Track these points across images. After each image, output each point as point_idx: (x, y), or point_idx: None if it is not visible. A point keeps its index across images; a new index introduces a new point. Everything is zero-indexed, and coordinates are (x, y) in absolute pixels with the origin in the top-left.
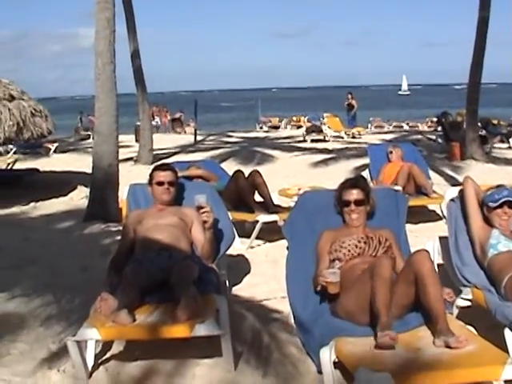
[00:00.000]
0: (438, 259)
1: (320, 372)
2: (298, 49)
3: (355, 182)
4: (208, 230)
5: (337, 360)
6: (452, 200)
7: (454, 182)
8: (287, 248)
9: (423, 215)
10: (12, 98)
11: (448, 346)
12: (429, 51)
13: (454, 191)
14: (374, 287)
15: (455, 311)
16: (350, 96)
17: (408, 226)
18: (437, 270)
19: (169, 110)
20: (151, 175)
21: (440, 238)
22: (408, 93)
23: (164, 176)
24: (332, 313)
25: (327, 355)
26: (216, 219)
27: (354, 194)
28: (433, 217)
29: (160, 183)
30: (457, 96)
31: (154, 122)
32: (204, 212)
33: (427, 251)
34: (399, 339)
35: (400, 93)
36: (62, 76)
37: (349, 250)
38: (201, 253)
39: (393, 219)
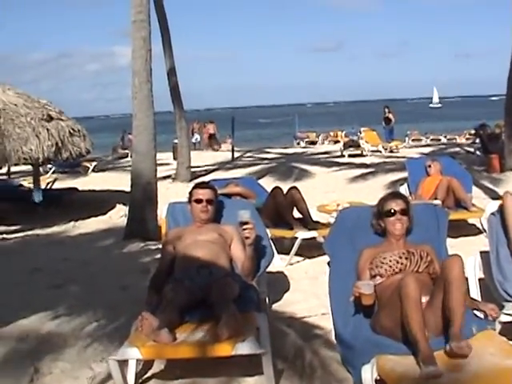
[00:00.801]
0: (479, 274)
1: None
2: (334, 63)
3: (398, 192)
4: (249, 246)
5: (378, 378)
6: (493, 214)
7: (493, 195)
8: (328, 264)
9: (463, 229)
10: (50, 118)
11: (451, 353)
12: (465, 62)
13: (494, 205)
14: (405, 310)
15: (498, 327)
16: (386, 110)
17: (448, 241)
18: (478, 285)
19: (214, 122)
20: (190, 193)
21: (481, 252)
22: (439, 105)
23: (203, 194)
24: (372, 329)
25: (369, 373)
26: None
27: (399, 204)
28: (473, 231)
29: (198, 201)
30: (494, 107)
31: (193, 139)
32: (247, 228)
33: (459, 257)
34: (438, 357)
35: (431, 105)
36: (98, 95)
37: (390, 266)
38: (241, 270)
39: (433, 234)
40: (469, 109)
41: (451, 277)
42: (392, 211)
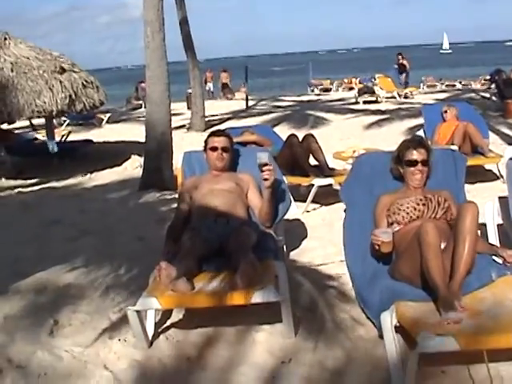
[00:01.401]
0: (497, 220)
1: (381, 337)
2: (346, 10)
3: (420, 140)
4: (268, 188)
5: (398, 324)
6: (511, 159)
7: (509, 141)
8: (344, 211)
9: (479, 175)
10: (63, 71)
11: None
12: (478, 7)
13: None
14: (425, 257)
15: None
16: (400, 57)
17: (465, 187)
18: (497, 230)
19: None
20: (206, 141)
21: (499, 198)
22: (450, 51)
23: (218, 142)
24: (391, 276)
25: (388, 320)
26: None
27: (422, 154)
28: (489, 176)
29: (214, 149)
30: (507, 53)
31: (206, 88)
32: (266, 170)
33: (474, 205)
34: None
35: (442, 51)
36: (111, 47)
37: (407, 213)
38: (258, 217)
39: (451, 180)
40: (481, 54)
41: (461, 227)
42: (414, 161)
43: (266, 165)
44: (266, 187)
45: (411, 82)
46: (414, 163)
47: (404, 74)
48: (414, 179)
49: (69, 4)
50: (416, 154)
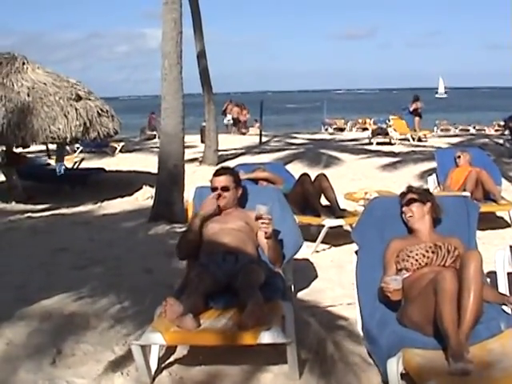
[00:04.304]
0: (508, 268)
1: (386, 382)
2: (364, 50)
3: (408, 187)
4: (268, 239)
5: (404, 371)
6: None
7: None
8: (355, 253)
9: (491, 222)
10: (79, 98)
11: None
12: (494, 53)
13: None
14: (439, 304)
15: None
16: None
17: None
18: (507, 280)
19: (247, 108)
20: (210, 180)
21: (511, 246)
22: (445, 96)
23: (218, 181)
24: (399, 322)
25: (395, 366)
26: (282, 223)
27: (407, 196)
28: (501, 223)
29: (214, 189)
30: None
31: (225, 121)
32: (263, 223)
33: (478, 253)
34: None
35: (437, 96)
36: (127, 76)
37: (416, 260)
38: (267, 256)
39: (463, 228)
40: (503, 100)
41: (465, 276)
42: (401, 206)
43: (261, 217)
44: (266, 238)
45: (424, 125)
46: (402, 207)
47: (417, 118)
48: (405, 219)
49: (89, 31)
50: (401, 198)
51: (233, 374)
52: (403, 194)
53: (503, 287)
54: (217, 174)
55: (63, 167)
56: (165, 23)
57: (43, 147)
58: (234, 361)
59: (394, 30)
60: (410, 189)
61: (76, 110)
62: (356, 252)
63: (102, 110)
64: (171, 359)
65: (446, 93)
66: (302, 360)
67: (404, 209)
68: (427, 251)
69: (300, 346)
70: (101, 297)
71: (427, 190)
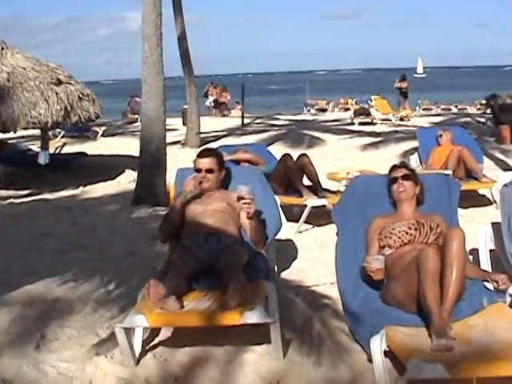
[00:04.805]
0: (490, 245)
1: (370, 361)
2: (349, 31)
3: (399, 162)
4: (251, 219)
5: (387, 349)
6: (505, 185)
7: (504, 166)
8: (336, 233)
9: (473, 200)
10: (59, 82)
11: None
12: (480, 32)
13: (507, 176)
14: (422, 282)
15: (508, 299)
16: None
17: (458, 211)
18: (489, 256)
19: (228, 90)
20: (194, 161)
21: (492, 223)
22: (424, 75)
23: (202, 163)
24: (382, 300)
25: (378, 344)
26: (264, 204)
27: (401, 171)
28: (483, 201)
29: (198, 170)
30: (507, 78)
31: (207, 102)
32: (245, 203)
33: (460, 231)
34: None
35: (416, 76)
36: (109, 59)
37: (399, 237)
38: (250, 237)
39: (444, 205)
40: (485, 79)
41: (447, 253)
42: (395, 178)
43: (243, 198)
44: (248, 218)
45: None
46: (395, 180)
47: (402, 98)
48: (398, 194)
49: (69, 15)
50: (395, 172)
51: (217, 354)
52: (396, 167)
53: (485, 264)
54: (201, 155)
55: (48, 155)
56: (144, 6)
57: (25, 133)
58: (218, 342)
59: (380, 11)
60: (404, 164)
61: (56, 94)
62: (337, 231)
63: (82, 93)
64: (155, 341)
65: (424, 72)
66: (286, 340)
67: (399, 182)
68: (410, 228)
69: (284, 325)
70: (84, 281)
71: (408, 166)
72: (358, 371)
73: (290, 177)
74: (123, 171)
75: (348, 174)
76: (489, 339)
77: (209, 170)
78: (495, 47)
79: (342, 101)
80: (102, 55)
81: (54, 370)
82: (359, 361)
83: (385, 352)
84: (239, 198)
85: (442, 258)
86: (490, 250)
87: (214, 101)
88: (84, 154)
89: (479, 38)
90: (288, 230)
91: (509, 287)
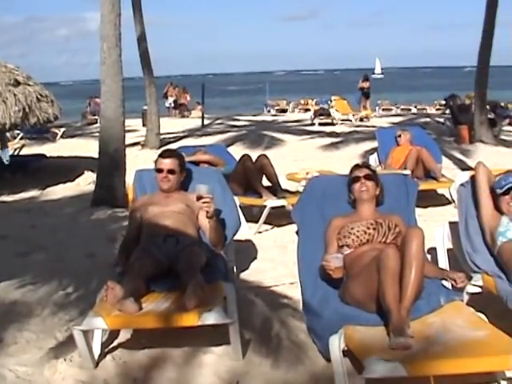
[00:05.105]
0: (447, 244)
1: (329, 360)
2: (307, 31)
3: (362, 162)
4: (210, 219)
5: (346, 348)
6: (462, 185)
7: (462, 166)
8: (296, 233)
9: (432, 199)
10: (18, 83)
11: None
12: (437, 33)
13: (464, 176)
14: (382, 281)
15: (465, 298)
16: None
17: (417, 211)
18: (447, 255)
19: (189, 92)
20: (155, 162)
21: (450, 223)
22: (382, 76)
23: (164, 164)
24: (341, 299)
25: (336, 343)
26: (223, 205)
27: (363, 171)
28: (442, 201)
29: (160, 171)
30: (466, 79)
31: (167, 104)
32: (204, 202)
33: (420, 230)
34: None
35: (374, 76)
36: (68, 60)
37: (357, 237)
38: (208, 239)
39: (402, 205)
40: (444, 79)
41: (407, 252)
42: (357, 178)
43: (202, 197)
44: (207, 218)
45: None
46: (357, 179)
47: (363, 98)
48: (360, 194)
49: (28, 15)
50: (357, 172)
51: (176, 355)
52: (359, 166)
53: (443, 262)
54: (163, 155)
55: (8, 154)
56: (103, 6)
57: None
58: (177, 343)
59: (336, 11)
60: (366, 164)
61: (15, 95)
62: (297, 231)
63: (41, 95)
64: (114, 344)
65: (382, 73)
66: (245, 340)
67: (361, 181)
68: (368, 228)
69: (244, 326)
70: (43, 283)
71: (370, 166)
72: (316, 371)
73: (250, 178)
74: (82, 173)
75: (307, 174)
76: (446, 337)
77: (170, 171)
78: (454, 48)
79: (302, 101)
80: (61, 56)
81: (13, 373)
82: (318, 360)
83: (343, 351)
84: (198, 198)
85: (401, 257)
86: (448, 249)
87: (174, 101)
88: (43, 155)
89: (437, 40)
90: (247, 231)
91: (466, 285)
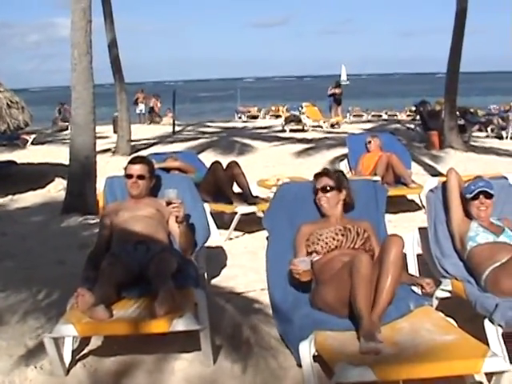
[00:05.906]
0: (417, 250)
1: (299, 365)
2: (278, 38)
3: (323, 170)
4: (180, 224)
5: (316, 353)
6: (431, 191)
7: (432, 172)
8: (267, 239)
9: (402, 205)
10: None
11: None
12: (407, 40)
13: (434, 182)
14: (354, 286)
15: (435, 302)
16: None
17: (387, 216)
18: (416, 261)
19: (159, 98)
20: (125, 168)
21: (419, 228)
22: (347, 83)
23: (134, 169)
24: (311, 305)
25: (307, 349)
26: (193, 212)
27: (322, 181)
28: (412, 206)
29: (129, 176)
30: (438, 85)
31: (137, 110)
32: (174, 207)
33: (400, 239)
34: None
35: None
36: (38, 66)
37: (326, 243)
38: (179, 245)
39: (372, 210)
40: (416, 85)
41: (385, 259)
42: (315, 190)
43: (171, 203)
44: (178, 223)
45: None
46: (316, 192)
47: (335, 105)
48: (321, 206)
49: None
50: (317, 183)
51: (147, 362)
52: (318, 176)
53: (413, 268)
54: (133, 161)
55: None
56: (74, 12)
57: None
58: (148, 349)
59: (308, 18)
60: (325, 172)
61: None
62: (267, 238)
63: (11, 101)
64: (85, 351)
65: (348, 80)
66: (216, 346)
67: (319, 195)
68: (337, 234)
69: (215, 332)
70: (13, 291)
71: (343, 174)
72: (287, 376)
73: (220, 186)
74: (53, 180)
75: (278, 180)
76: (415, 341)
77: (140, 177)
78: (426, 54)
79: (273, 108)
80: (31, 62)
81: None
82: (288, 366)
83: (314, 356)
84: (168, 203)
85: (379, 263)
86: (418, 255)
87: (151, 108)
88: (13, 162)
89: (408, 46)
90: (218, 237)
91: (435, 291)
